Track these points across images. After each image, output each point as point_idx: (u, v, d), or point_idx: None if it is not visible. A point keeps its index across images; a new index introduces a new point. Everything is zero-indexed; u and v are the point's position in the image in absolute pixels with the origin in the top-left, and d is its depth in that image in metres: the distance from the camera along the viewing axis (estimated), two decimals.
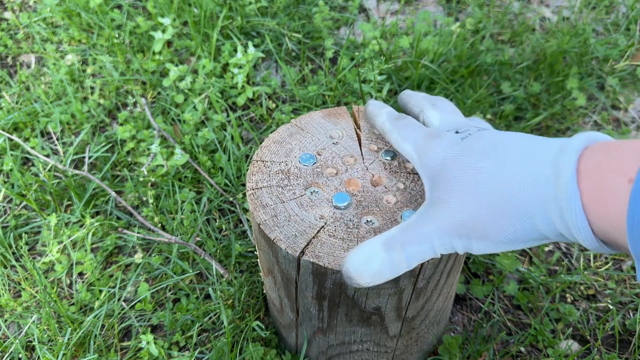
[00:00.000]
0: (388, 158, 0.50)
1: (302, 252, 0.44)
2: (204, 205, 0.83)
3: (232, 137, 0.92)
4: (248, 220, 0.83)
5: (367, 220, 0.45)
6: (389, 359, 0.60)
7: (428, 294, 0.51)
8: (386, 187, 0.48)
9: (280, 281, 0.52)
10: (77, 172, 0.86)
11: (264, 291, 0.68)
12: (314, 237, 0.45)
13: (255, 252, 0.79)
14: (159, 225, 0.83)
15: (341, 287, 0.46)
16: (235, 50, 1.00)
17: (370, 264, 0.39)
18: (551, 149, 0.35)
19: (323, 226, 0.45)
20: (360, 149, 0.51)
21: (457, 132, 0.43)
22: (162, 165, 0.86)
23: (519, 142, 0.38)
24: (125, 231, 0.81)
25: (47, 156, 0.91)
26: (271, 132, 0.54)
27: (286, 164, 0.50)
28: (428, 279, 0.48)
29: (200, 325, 0.73)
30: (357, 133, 0.53)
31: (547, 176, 0.33)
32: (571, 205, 0.32)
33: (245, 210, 0.84)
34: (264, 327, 0.70)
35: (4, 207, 0.87)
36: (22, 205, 0.87)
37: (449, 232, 0.38)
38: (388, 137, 0.48)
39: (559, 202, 0.33)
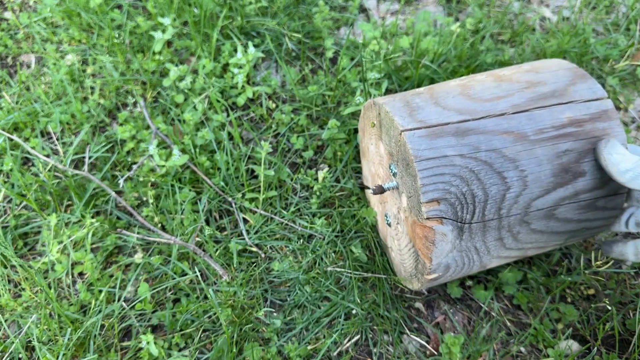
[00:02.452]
0: None
1: None
2: (204, 206, 0.83)
3: (232, 137, 0.92)
4: (245, 221, 0.83)
5: None
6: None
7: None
8: None
9: None
10: (77, 172, 0.86)
11: None
12: None
13: (255, 249, 0.79)
14: (159, 225, 0.83)
15: None
16: (235, 50, 1.00)
17: (623, 163, 0.55)
18: None
19: None
20: None
21: None
22: (161, 166, 0.86)
23: None
24: (124, 232, 0.81)
25: (47, 156, 0.91)
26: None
27: None
28: None
29: (200, 325, 0.73)
30: None
31: None
32: None
33: (242, 210, 0.84)
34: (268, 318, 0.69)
35: (4, 207, 0.87)
36: (22, 205, 0.87)
37: None
38: None
39: None
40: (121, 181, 0.84)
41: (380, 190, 0.63)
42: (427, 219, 0.55)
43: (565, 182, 0.58)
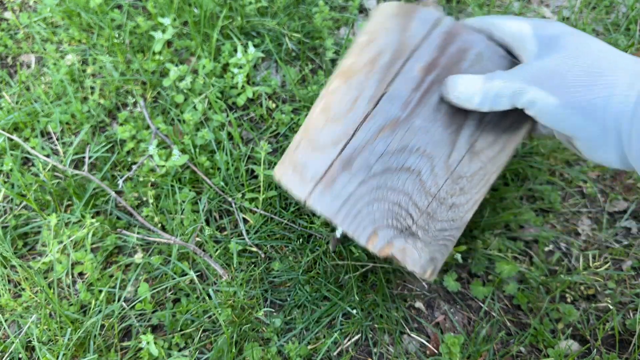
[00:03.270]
0: None
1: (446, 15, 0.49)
2: (204, 206, 0.83)
3: (232, 137, 0.92)
4: (245, 220, 0.83)
5: None
6: (422, 210, 0.57)
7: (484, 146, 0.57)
8: None
9: (386, 61, 0.54)
10: (77, 172, 0.86)
11: (295, 140, 0.63)
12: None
13: (255, 250, 0.79)
14: (159, 225, 0.83)
15: (459, 56, 0.52)
16: (235, 50, 1.00)
17: (470, 86, 0.50)
18: None
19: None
20: None
21: None
22: (162, 166, 0.86)
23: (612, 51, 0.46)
24: (124, 232, 0.81)
25: (47, 156, 0.91)
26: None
27: None
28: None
29: (200, 325, 0.73)
30: None
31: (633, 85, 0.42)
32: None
33: (242, 210, 0.84)
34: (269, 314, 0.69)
35: (4, 207, 0.87)
36: (22, 205, 0.87)
37: (536, 79, 0.46)
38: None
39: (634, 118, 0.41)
40: (120, 182, 0.83)
41: (338, 241, 0.62)
42: (380, 250, 0.54)
43: (461, 122, 0.54)
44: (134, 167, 0.86)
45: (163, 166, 0.86)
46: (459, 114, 0.54)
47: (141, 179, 0.87)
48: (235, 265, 0.78)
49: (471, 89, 0.50)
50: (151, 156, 0.88)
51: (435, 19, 0.53)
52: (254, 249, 0.79)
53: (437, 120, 0.54)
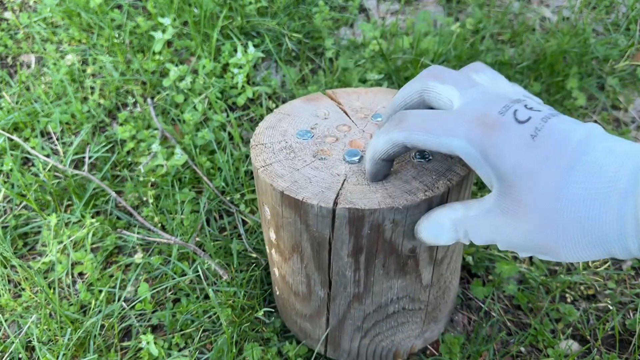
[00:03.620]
0: (378, 119, 0.53)
1: (335, 203, 0.45)
2: (204, 206, 0.83)
3: (232, 137, 0.92)
4: (244, 222, 0.83)
5: None
6: (422, 317, 0.60)
7: None
8: None
9: (309, 253, 0.51)
10: (77, 172, 0.86)
11: (276, 292, 0.67)
12: (340, 189, 0.46)
13: (255, 255, 0.79)
14: (159, 225, 0.83)
15: (378, 230, 0.47)
16: (235, 50, 1.00)
17: (440, 237, 0.44)
18: (633, 165, 0.32)
19: (345, 179, 0.47)
20: (350, 118, 0.54)
21: (516, 117, 0.36)
22: (162, 165, 0.86)
23: (603, 156, 0.34)
24: (124, 232, 0.81)
25: (47, 156, 0.91)
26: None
27: (286, 142, 0.52)
28: None
29: (200, 325, 0.73)
30: (341, 108, 0.56)
31: (631, 209, 0.32)
32: None
33: (241, 213, 0.84)
34: (269, 316, 0.69)
35: (4, 207, 0.87)
36: (22, 205, 0.87)
37: (516, 247, 0.38)
38: (415, 140, 0.40)
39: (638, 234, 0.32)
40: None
41: None
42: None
43: (412, 258, 0.51)
44: (143, 162, 0.86)
45: (162, 166, 0.86)
46: (406, 254, 0.51)
47: (141, 179, 0.87)
48: (235, 266, 0.78)
49: (445, 235, 0.43)
50: (156, 154, 0.88)
51: (326, 211, 0.45)
52: (254, 254, 0.79)
53: (391, 275, 0.52)
